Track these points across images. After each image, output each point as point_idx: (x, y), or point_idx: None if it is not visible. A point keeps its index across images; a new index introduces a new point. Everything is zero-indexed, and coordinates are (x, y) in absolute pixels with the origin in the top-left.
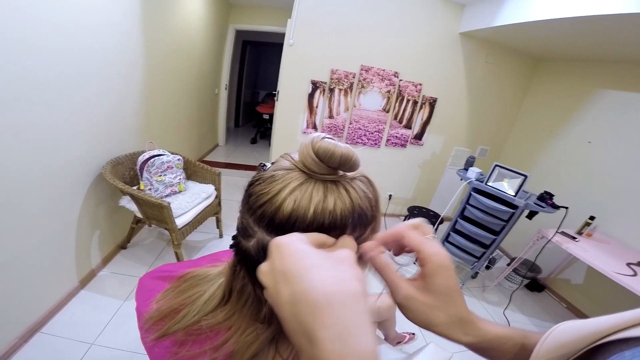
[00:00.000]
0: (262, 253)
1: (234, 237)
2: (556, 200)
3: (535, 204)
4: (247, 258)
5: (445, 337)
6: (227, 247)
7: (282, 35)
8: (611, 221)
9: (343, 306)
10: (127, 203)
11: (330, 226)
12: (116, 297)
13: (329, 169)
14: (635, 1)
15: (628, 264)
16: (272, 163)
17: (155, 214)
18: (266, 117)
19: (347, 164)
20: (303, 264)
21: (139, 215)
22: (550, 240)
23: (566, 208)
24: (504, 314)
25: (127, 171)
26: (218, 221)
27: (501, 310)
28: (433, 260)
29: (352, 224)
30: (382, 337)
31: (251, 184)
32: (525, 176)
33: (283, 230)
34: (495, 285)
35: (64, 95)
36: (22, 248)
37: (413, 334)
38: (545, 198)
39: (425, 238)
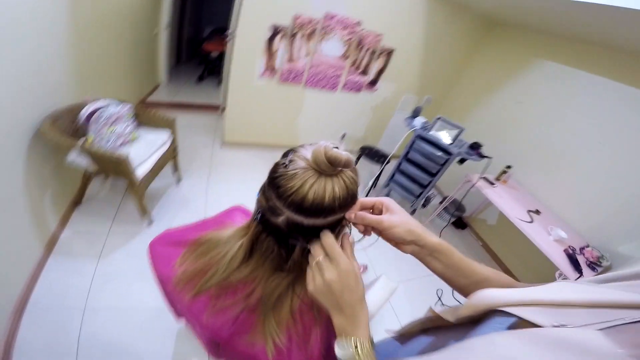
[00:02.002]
0: (291, 226)
1: (258, 213)
2: (485, 149)
3: (466, 152)
4: (277, 229)
5: (419, 238)
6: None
7: None
8: (524, 171)
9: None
10: (77, 158)
11: (338, 206)
12: (88, 257)
13: (335, 168)
14: None
15: (528, 211)
16: (290, 161)
17: (112, 167)
18: (214, 54)
19: (348, 165)
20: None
21: (91, 169)
22: (474, 185)
23: (490, 158)
24: None
25: (69, 124)
26: (176, 166)
27: None
28: (389, 205)
29: (349, 201)
30: None
31: (276, 177)
32: (462, 128)
33: (308, 212)
34: (430, 222)
35: None
36: None
37: (365, 265)
38: (475, 147)
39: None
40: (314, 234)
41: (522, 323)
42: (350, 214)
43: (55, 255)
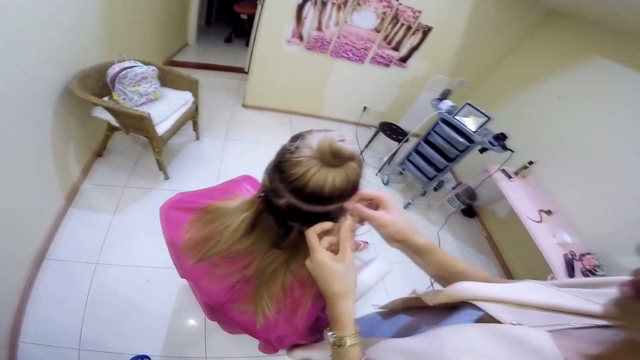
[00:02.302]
0: (291, 209)
1: (262, 193)
2: (511, 141)
3: (490, 142)
4: (278, 210)
5: (406, 239)
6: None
7: None
8: (547, 169)
9: (349, 294)
10: (101, 113)
11: (338, 197)
12: (105, 211)
13: (338, 161)
14: None
15: (540, 210)
16: (297, 147)
17: (134, 123)
18: (244, 17)
19: (352, 159)
20: (330, 277)
21: (114, 124)
22: (490, 175)
23: (512, 151)
24: (438, 234)
25: (95, 83)
26: (195, 124)
27: (436, 230)
28: (387, 202)
29: (349, 193)
30: None
31: (281, 162)
32: (489, 118)
33: (307, 199)
34: (439, 206)
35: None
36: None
37: (366, 242)
38: (500, 138)
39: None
40: (312, 219)
41: (487, 317)
42: (349, 205)
43: (75, 207)
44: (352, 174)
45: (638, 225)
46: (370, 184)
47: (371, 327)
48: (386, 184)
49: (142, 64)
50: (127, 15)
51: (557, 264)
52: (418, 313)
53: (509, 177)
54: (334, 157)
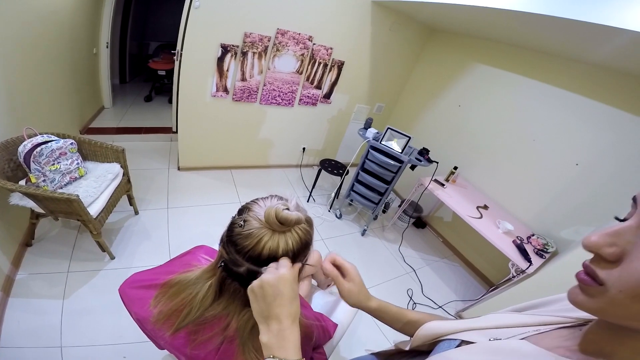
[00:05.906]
0: (252, 274)
1: (222, 263)
2: (432, 152)
3: (416, 158)
4: (240, 277)
5: (361, 306)
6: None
7: None
8: (470, 169)
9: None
10: (20, 200)
11: (292, 257)
12: (52, 297)
13: (286, 227)
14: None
15: (477, 207)
16: (245, 221)
17: (62, 207)
18: (162, 73)
19: (298, 223)
20: (293, 294)
21: (38, 210)
22: (426, 187)
23: (437, 163)
24: (399, 250)
25: (6, 163)
26: (130, 198)
27: (397, 247)
28: (351, 273)
29: (302, 250)
30: (316, 284)
31: (233, 236)
32: (409, 137)
33: (265, 264)
34: (392, 225)
35: None
36: None
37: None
38: (424, 153)
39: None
40: None
41: (464, 343)
42: (325, 265)
43: (15, 297)
44: (302, 234)
45: (557, 200)
46: (326, 222)
47: None
48: (339, 217)
49: (57, 138)
50: (30, 82)
51: (511, 251)
52: (408, 358)
53: (442, 184)
54: (282, 225)
